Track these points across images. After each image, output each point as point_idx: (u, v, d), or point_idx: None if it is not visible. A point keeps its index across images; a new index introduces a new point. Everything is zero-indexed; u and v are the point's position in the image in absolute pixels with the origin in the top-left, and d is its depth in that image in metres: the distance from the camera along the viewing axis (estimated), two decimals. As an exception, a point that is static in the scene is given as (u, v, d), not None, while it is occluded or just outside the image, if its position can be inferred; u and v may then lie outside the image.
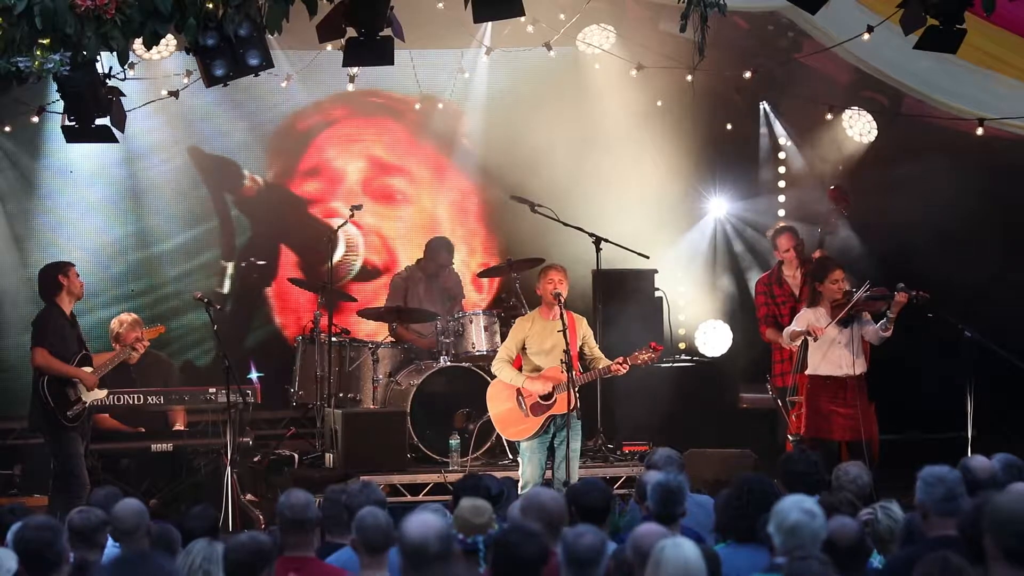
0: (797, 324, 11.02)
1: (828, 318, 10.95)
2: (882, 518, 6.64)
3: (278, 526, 6.53)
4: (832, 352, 11.01)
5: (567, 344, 10.67)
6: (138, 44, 9.60)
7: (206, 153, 14.21)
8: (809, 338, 10.92)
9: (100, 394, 10.93)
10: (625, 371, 10.86)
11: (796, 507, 5.50)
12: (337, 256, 13.94)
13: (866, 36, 11.08)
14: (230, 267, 14.24)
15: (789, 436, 11.27)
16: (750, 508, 6.41)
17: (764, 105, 14.33)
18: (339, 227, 13.11)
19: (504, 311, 12.63)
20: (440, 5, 12.62)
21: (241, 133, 14.23)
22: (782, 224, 12.79)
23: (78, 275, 10.87)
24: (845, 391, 10.99)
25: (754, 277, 14.08)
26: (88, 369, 10.84)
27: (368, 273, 14.53)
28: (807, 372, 11.06)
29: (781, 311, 11.92)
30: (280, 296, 14.27)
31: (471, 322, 12.43)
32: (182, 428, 11.98)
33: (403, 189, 14.68)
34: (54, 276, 10.82)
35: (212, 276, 14.19)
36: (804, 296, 11.63)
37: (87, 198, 13.83)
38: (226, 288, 14.22)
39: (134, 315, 11.95)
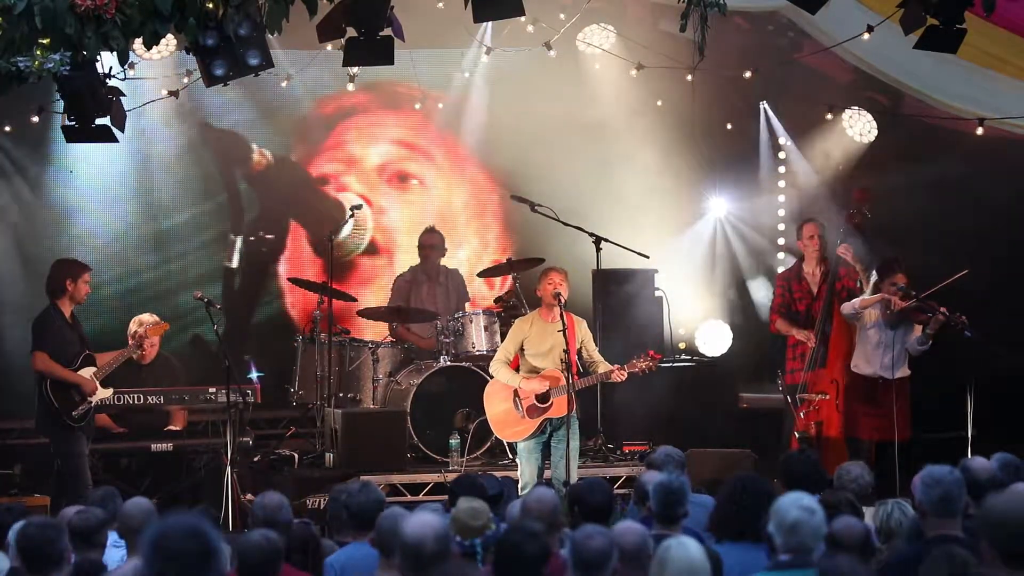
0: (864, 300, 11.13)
1: (881, 316, 11.05)
2: (896, 514, 6.65)
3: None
4: (872, 353, 11.12)
5: (567, 344, 10.67)
6: (138, 44, 9.59)
7: (215, 128, 14.22)
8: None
9: (105, 393, 10.94)
10: (623, 379, 10.87)
11: (795, 505, 5.50)
12: (345, 232, 13.97)
13: (866, 36, 11.09)
14: (239, 241, 14.28)
15: (796, 434, 11.29)
16: (744, 507, 6.42)
17: (764, 105, 14.32)
18: (347, 218, 13.18)
19: (504, 311, 12.63)
20: (440, 5, 12.61)
21: (250, 109, 14.21)
22: (808, 215, 12.80)
23: (87, 282, 10.87)
24: (876, 392, 11.06)
25: (754, 277, 14.10)
26: (90, 370, 10.85)
27: (373, 248, 14.54)
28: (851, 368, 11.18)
29: (797, 307, 11.92)
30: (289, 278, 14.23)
31: (471, 322, 12.43)
32: (178, 428, 11.97)
33: (405, 188, 14.70)
34: (63, 278, 10.82)
35: (222, 250, 14.24)
36: (822, 295, 11.68)
37: (95, 183, 13.87)
38: (235, 262, 14.29)
39: (154, 316, 11.95)
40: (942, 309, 10.91)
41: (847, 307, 11.30)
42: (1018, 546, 4.45)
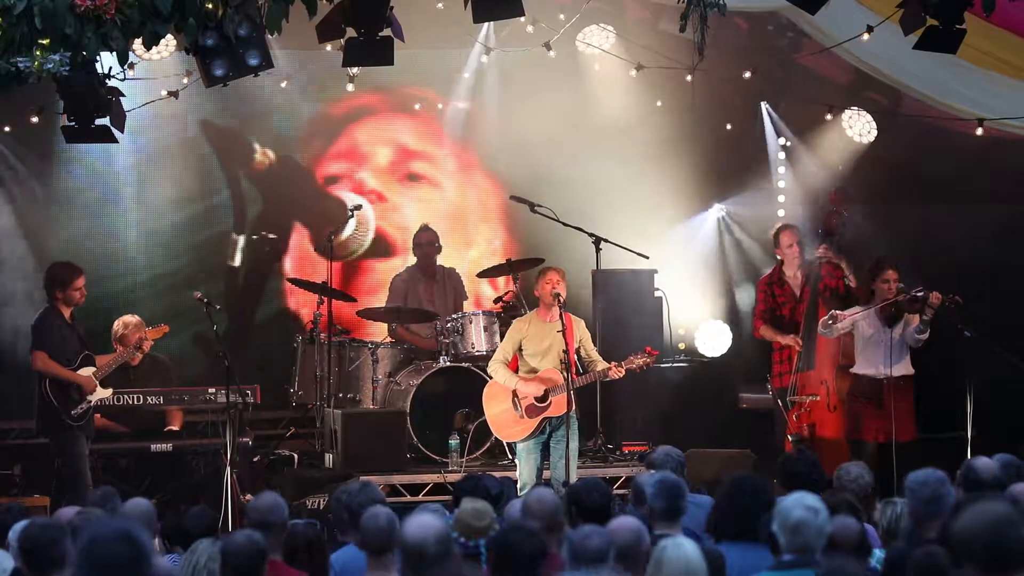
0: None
1: (876, 316, 11.03)
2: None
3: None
4: (871, 353, 11.10)
5: (565, 344, 10.67)
6: (138, 44, 9.60)
7: (216, 127, 14.22)
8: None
9: (105, 393, 10.95)
10: (621, 375, 10.87)
11: (799, 504, 5.51)
12: (347, 232, 13.96)
13: (866, 36, 11.10)
14: (241, 240, 14.28)
15: (789, 436, 11.29)
16: (742, 507, 6.43)
17: (764, 105, 14.31)
18: (348, 218, 13.21)
19: (504, 311, 12.63)
20: (440, 5, 12.62)
21: (252, 108, 14.20)
22: (784, 221, 12.82)
23: (79, 287, 10.85)
24: (879, 392, 11.05)
25: (754, 277, 14.09)
26: (90, 370, 10.87)
27: (384, 248, 14.56)
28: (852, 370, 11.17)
29: (781, 311, 11.92)
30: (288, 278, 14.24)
31: (471, 322, 12.43)
32: (175, 428, 11.96)
33: (414, 185, 14.71)
34: (54, 286, 10.83)
35: (224, 249, 14.24)
36: (805, 297, 11.68)
37: (95, 183, 13.89)
38: (237, 262, 14.28)
39: (136, 317, 11.93)
40: (934, 293, 10.89)
41: (820, 330, 11.31)
42: (994, 555, 4.40)
